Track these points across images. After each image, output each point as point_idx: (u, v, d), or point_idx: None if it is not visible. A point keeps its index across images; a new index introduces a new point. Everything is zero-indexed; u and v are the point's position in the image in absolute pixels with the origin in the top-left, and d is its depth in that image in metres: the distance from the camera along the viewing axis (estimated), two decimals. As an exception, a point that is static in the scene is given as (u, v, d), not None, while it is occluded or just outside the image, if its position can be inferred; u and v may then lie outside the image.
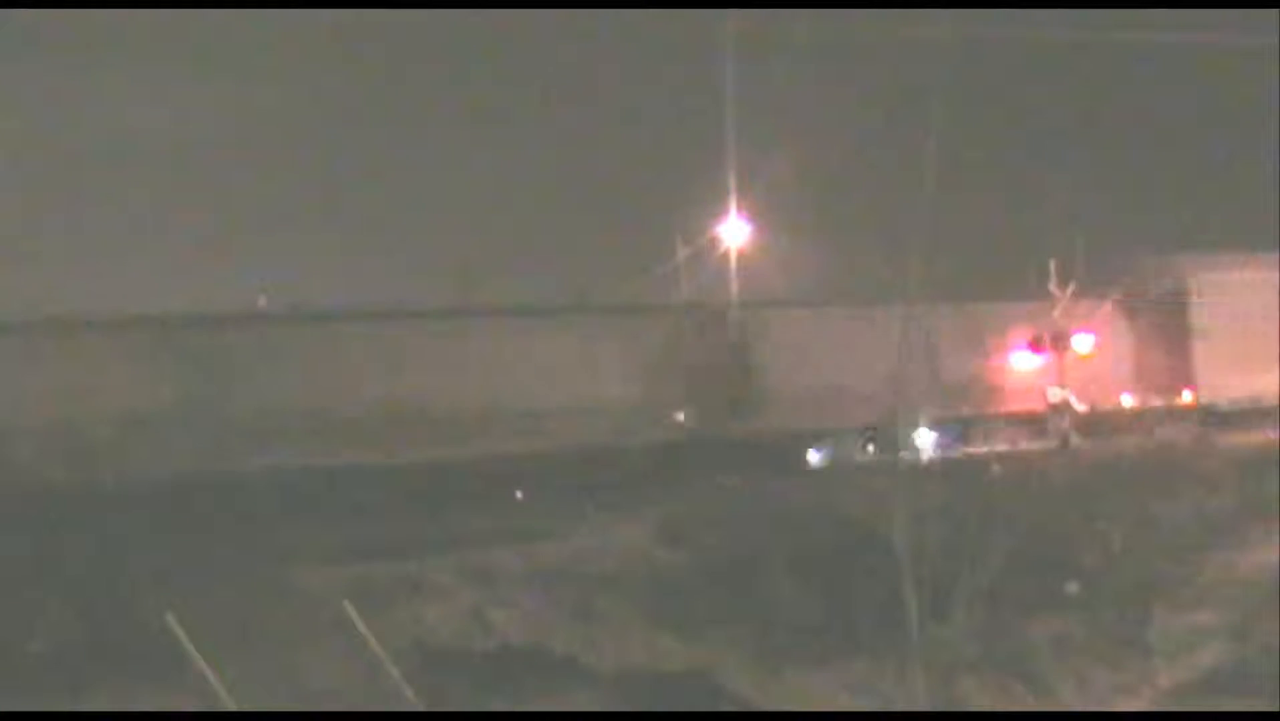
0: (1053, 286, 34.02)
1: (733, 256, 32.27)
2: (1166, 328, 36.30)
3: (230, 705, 19.31)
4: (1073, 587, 24.70)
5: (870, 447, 28.74)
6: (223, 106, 38.04)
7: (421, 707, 20.08)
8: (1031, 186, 36.60)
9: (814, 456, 31.21)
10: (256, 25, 34.63)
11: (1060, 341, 33.93)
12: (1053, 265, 34.13)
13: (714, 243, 33.00)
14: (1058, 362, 34.09)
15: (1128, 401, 35.62)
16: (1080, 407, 34.04)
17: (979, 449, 31.70)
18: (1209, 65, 40.61)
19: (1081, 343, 34.20)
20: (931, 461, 26.21)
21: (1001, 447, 31.88)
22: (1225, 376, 35.88)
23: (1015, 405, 33.84)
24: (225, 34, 35.62)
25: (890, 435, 23.67)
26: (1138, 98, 44.73)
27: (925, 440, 26.75)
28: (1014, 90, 43.00)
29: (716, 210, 32.65)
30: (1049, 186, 34.55)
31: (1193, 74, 42.01)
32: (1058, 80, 43.63)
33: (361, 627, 20.55)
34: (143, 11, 33.69)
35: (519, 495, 27.52)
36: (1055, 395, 33.86)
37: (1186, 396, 36.13)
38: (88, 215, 35.76)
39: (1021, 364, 34.23)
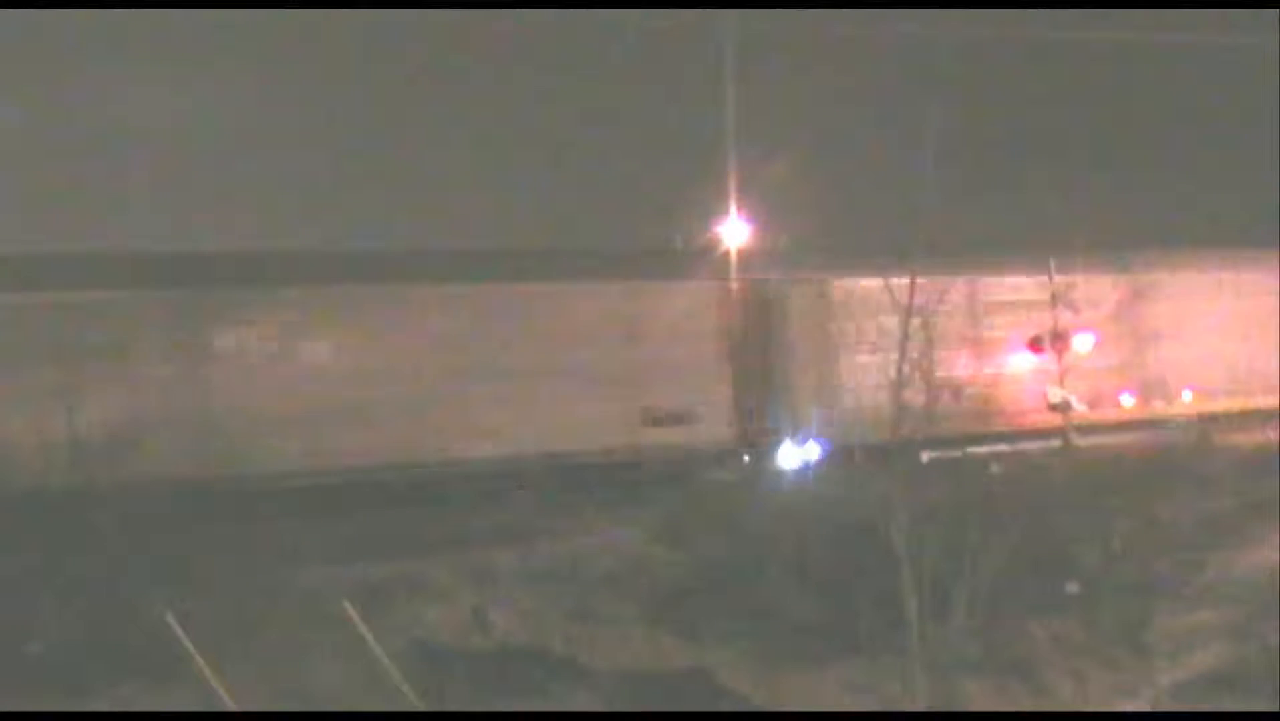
0: (1051, 287, 34.02)
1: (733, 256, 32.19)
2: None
3: (230, 705, 19.34)
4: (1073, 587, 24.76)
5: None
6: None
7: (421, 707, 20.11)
8: (1033, 186, 36.79)
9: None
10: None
11: (1060, 341, 33.91)
12: (1052, 264, 34.15)
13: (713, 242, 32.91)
14: (1057, 362, 34.07)
15: (1128, 402, 35.64)
16: (1080, 407, 34.05)
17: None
18: (1209, 65, 40.67)
19: (1082, 342, 34.14)
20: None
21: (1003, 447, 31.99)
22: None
23: (1015, 405, 33.85)
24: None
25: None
26: (1138, 96, 44.77)
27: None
28: (1014, 90, 43.04)
29: (717, 209, 32.59)
30: (1052, 187, 34.74)
31: (1192, 74, 42.04)
32: (1058, 80, 43.66)
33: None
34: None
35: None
36: (1055, 395, 33.86)
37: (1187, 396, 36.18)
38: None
39: (1021, 363, 34.26)
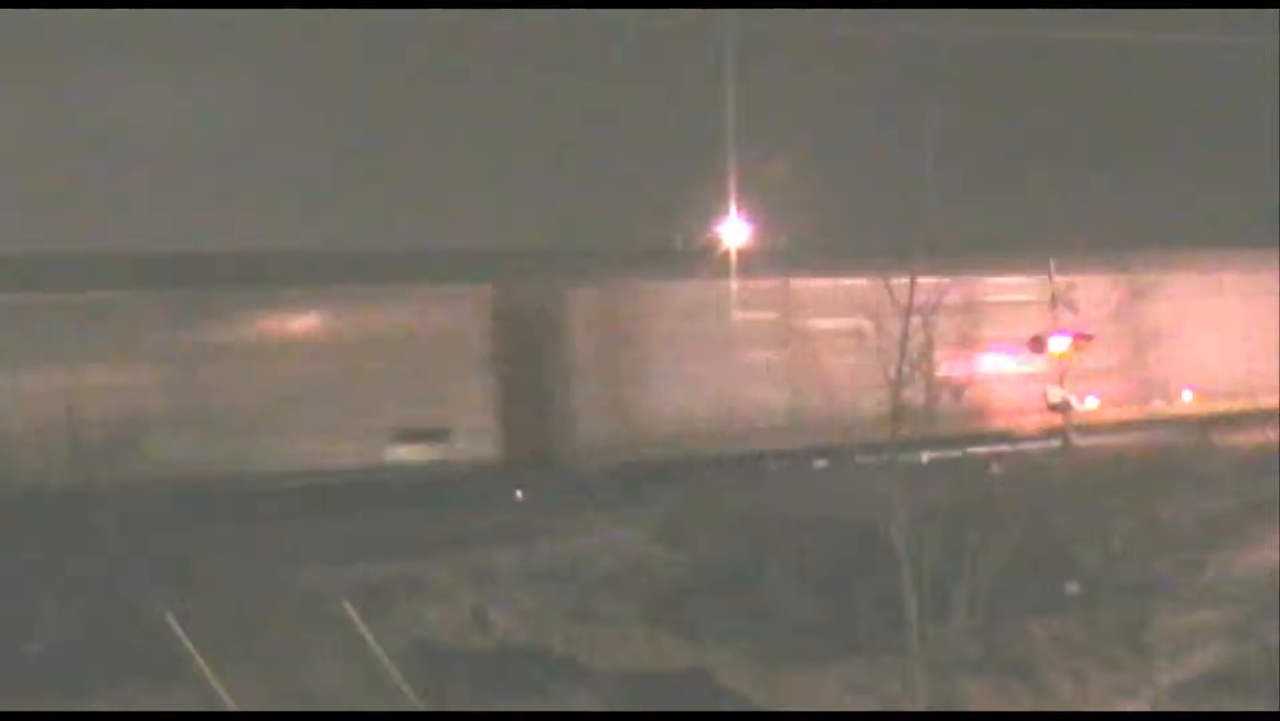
0: (1050, 287, 34.01)
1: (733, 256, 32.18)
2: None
3: (230, 705, 19.34)
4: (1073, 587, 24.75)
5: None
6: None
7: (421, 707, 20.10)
8: (1033, 186, 36.67)
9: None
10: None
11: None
12: (1051, 265, 34.15)
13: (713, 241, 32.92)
14: (1058, 362, 34.06)
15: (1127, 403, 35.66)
16: (1079, 407, 34.06)
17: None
18: (1208, 65, 40.63)
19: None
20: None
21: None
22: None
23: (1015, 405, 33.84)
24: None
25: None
26: (1138, 96, 44.71)
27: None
28: (1014, 91, 42.98)
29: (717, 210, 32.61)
30: (1052, 187, 34.65)
31: (1192, 74, 42.00)
32: (1059, 80, 43.60)
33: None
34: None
35: None
36: (1055, 395, 33.87)
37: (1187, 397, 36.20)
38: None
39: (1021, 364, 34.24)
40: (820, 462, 28.85)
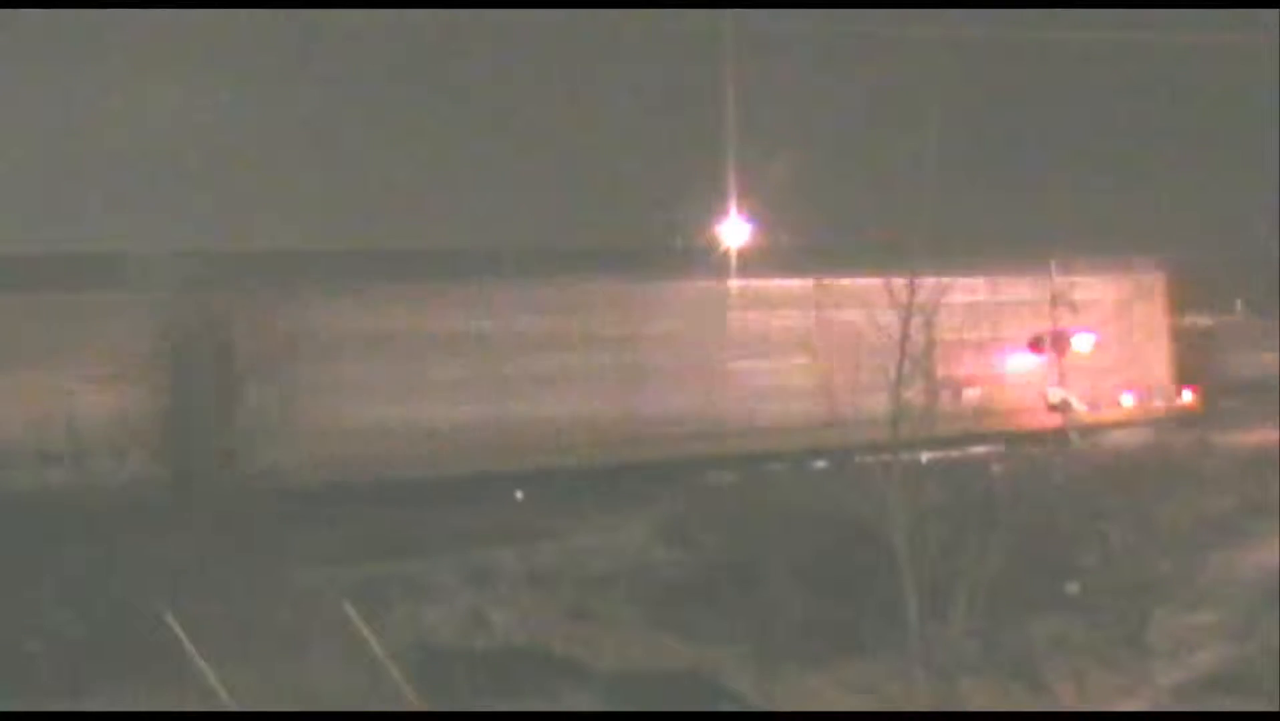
0: (1051, 287, 34.05)
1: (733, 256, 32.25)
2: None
3: (230, 705, 19.35)
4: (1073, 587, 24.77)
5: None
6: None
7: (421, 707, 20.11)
8: (1034, 188, 36.80)
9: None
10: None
11: (1060, 341, 33.95)
12: (1053, 265, 34.20)
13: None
14: (1057, 363, 34.12)
15: (1128, 402, 35.68)
16: (1080, 407, 34.10)
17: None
18: (1208, 65, 40.67)
19: (1082, 342, 34.18)
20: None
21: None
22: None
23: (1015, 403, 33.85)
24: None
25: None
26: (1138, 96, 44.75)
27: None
28: (1014, 92, 43.03)
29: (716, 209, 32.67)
30: (1054, 189, 34.78)
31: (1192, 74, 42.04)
32: (1060, 80, 43.64)
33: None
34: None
35: None
36: (1055, 395, 33.91)
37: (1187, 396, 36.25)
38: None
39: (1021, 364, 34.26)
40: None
